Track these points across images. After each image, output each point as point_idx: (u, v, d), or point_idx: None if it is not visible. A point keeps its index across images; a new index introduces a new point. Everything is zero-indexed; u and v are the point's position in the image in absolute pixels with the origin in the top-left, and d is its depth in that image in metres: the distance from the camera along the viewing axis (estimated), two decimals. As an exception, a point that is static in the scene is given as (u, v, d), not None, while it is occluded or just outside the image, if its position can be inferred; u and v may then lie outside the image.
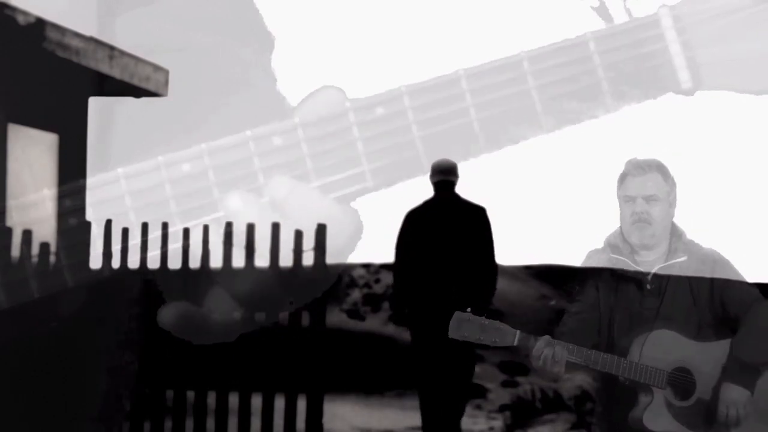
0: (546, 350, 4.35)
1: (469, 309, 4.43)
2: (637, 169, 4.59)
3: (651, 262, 4.62)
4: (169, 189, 1.39)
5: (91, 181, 1.37)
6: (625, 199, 4.59)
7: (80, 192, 1.38)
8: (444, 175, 7.56)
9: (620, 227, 4.68)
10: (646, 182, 4.57)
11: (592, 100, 1.27)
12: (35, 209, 1.40)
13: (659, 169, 4.61)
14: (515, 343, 4.39)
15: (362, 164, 1.34)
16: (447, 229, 7.76)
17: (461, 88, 1.31)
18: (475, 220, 7.86)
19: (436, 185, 7.70)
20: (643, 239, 4.57)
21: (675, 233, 4.64)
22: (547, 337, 4.39)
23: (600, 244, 4.75)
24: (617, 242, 4.65)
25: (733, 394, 4.50)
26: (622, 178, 4.62)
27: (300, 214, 1.33)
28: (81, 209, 1.38)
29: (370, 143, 1.34)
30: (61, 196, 1.37)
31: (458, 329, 4.39)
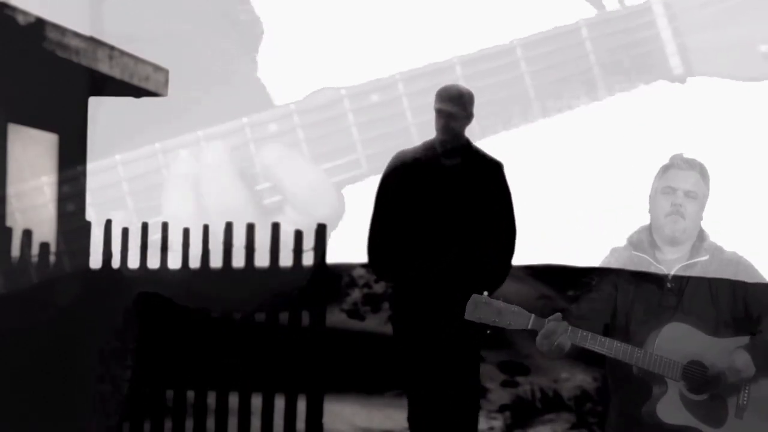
0: (561, 336, 4.40)
1: (486, 292, 4.50)
2: (683, 162, 4.68)
3: (673, 260, 4.68)
4: (166, 175, 1.41)
5: (89, 167, 1.39)
6: (665, 190, 4.67)
7: (80, 191, 1.39)
8: (445, 104, 5.42)
9: (647, 225, 4.73)
10: (689, 177, 4.66)
11: (585, 86, 1.28)
12: (35, 208, 1.41)
13: (701, 170, 4.71)
14: (529, 327, 4.46)
15: (357, 150, 1.36)
16: (444, 182, 5.94)
17: (455, 74, 1.33)
18: (485, 176, 6.01)
19: (437, 114, 5.49)
20: (675, 232, 4.64)
21: (699, 235, 4.70)
22: (557, 321, 4.43)
23: (604, 242, 4.81)
24: (640, 239, 4.71)
25: (740, 363, 4.52)
26: (665, 170, 4.70)
27: (288, 181, 1.35)
28: (81, 207, 1.40)
29: (365, 130, 1.36)
30: (61, 195, 1.38)
31: (474, 312, 4.46)
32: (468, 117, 5.34)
